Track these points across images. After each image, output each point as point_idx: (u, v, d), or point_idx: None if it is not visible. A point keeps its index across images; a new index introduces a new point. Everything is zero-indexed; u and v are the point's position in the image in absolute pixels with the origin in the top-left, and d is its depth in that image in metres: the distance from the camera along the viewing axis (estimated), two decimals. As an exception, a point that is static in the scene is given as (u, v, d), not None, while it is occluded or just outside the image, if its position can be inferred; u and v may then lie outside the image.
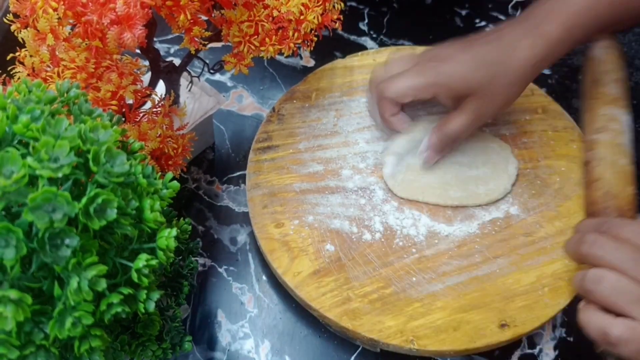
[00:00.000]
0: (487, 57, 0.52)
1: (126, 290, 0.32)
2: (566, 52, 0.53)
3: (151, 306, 0.34)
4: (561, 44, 0.51)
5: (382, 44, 0.75)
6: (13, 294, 0.28)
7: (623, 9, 0.53)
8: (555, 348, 0.52)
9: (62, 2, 0.42)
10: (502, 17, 0.79)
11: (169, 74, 0.54)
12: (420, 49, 0.69)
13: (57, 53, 0.44)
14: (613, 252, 0.43)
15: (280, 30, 0.51)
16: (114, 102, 0.45)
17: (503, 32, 0.53)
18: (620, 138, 0.55)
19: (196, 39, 0.48)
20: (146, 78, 0.53)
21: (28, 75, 0.45)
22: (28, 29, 0.44)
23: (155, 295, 0.34)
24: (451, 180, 0.58)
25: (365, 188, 0.58)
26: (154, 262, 0.33)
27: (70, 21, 0.43)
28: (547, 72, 0.72)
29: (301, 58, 0.74)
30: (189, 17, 0.45)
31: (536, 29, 0.51)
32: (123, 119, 0.42)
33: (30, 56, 0.45)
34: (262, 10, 0.49)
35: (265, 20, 0.49)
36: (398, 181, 0.57)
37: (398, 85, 0.54)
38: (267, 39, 0.50)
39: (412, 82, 0.54)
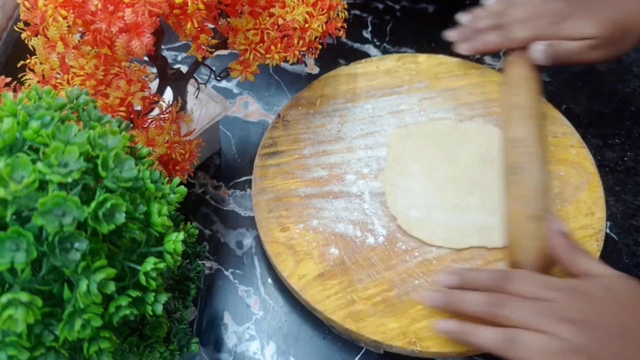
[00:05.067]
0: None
1: (134, 293, 0.33)
2: None
3: (159, 308, 0.34)
4: None
5: (385, 52, 0.76)
6: (23, 296, 0.29)
7: None
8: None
9: (71, 11, 0.42)
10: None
11: (177, 81, 0.55)
12: (422, 56, 0.69)
13: (66, 60, 0.44)
14: (519, 312, 0.43)
15: (286, 38, 0.51)
16: (122, 108, 0.46)
17: None
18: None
19: (203, 47, 0.48)
20: (154, 85, 0.53)
21: (38, 82, 0.46)
22: (38, 36, 0.45)
23: (163, 298, 0.35)
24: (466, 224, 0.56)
25: (369, 193, 0.58)
26: (161, 265, 0.33)
27: (80, 29, 0.44)
28: (546, 78, 0.72)
29: (306, 65, 0.75)
30: (196, 25, 0.46)
31: None
32: (131, 125, 0.42)
33: (41, 63, 0.45)
34: (268, 18, 0.50)
35: (271, 29, 0.50)
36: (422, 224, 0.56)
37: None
38: (272, 47, 0.51)
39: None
